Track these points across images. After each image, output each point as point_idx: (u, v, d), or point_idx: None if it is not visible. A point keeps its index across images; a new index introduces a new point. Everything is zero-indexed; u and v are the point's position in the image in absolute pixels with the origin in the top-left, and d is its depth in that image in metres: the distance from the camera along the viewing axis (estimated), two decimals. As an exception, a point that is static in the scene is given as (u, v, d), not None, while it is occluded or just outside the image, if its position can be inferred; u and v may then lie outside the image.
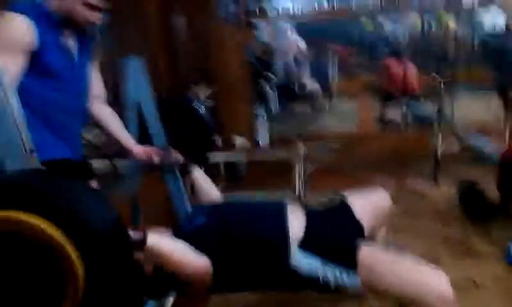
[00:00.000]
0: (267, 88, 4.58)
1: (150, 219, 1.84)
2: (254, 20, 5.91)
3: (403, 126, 4.41)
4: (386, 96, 4.84)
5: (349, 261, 1.34)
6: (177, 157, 1.82)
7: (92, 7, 1.39)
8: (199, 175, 1.85)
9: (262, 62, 5.51)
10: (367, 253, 1.36)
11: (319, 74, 6.53)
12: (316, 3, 7.03)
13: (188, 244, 1.36)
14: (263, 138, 3.45)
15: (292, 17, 7.11)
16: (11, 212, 0.83)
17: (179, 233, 1.49)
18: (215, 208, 1.62)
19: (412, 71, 4.76)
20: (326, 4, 7.02)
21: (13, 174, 0.99)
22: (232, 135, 3.24)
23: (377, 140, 3.63)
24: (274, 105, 4.75)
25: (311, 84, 5.75)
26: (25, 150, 1.05)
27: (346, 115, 5.40)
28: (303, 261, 1.37)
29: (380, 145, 3.56)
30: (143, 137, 1.88)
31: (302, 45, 6.32)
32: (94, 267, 0.86)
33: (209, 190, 1.82)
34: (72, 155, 1.53)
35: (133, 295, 1.12)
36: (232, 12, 3.70)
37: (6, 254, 0.83)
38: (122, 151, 1.77)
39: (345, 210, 1.60)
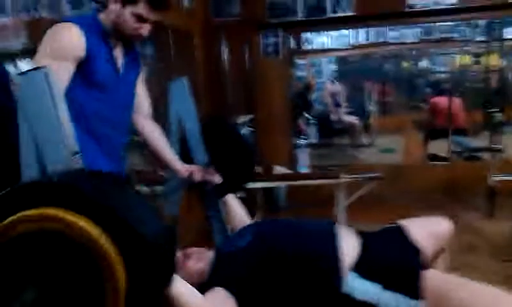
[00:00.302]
0: (306, 121, 4.54)
1: (187, 239, 1.77)
2: (295, 58, 6.01)
3: (451, 160, 4.22)
4: (433, 132, 4.70)
5: (411, 287, 1.19)
6: (217, 177, 1.77)
7: (142, 19, 1.40)
8: (232, 200, 1.78)
9: (301, 97, 5.53)
10: (433, 279, 1.21)
11: (357, 110, 6.47)
12: (353, 39, 7.03)
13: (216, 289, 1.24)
14: (303, 168, 3.36)
15: (329, 53, 7.17)
16: (55, 209, 0.77)
17: (219, 254, 1.41)
18: (258, 226, 1.53)
19: (459, 106, 4.66)
20: (362, 40, 7.01)
21: (57, 174, 0.95)
22: (272, 165, 3.16)
23: (424, 172, 3.43)
24: (313, 137, 4.68)
25: (348, 118, 5.67)
26: (70, 152, 1.02)
27: (388, 149, 5.23)
28: (357, 285, 1.24)
29: (428, 177, 3.37)
30: (184, 157, 1.86)
31: (338, 88, 6.30)
32: (137, 277, 0.79)
33: (242, 215, 1.74)
34: (114, 168, 1.50)
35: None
36: (274, 48, 3.78)
37: (48, 254, 0.77)
38: (165, 167, 1.74)
39: (400, 233, 1.45)
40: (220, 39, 3.45)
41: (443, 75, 6.94)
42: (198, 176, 1.71)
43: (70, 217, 0.77)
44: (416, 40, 6.77)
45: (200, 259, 1.41)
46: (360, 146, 5.33)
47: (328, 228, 1.40)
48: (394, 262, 1.29)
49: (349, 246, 1.32)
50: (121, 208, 0.80)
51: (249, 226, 1.56)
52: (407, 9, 3.21)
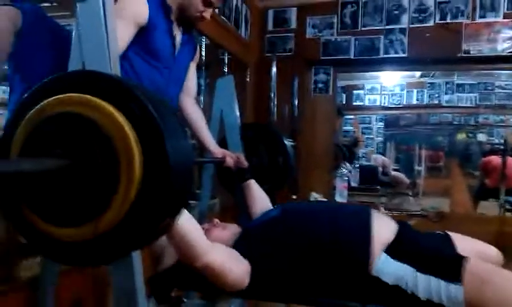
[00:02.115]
0: (349, 166, 4.46)
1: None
2: (344, 112, 6.06)
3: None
4: (484, 192, 4.44)
5: (450, 271, 1.10)
6: (246, 163, 1.80)
7: (208, 4, 1.50)
8: (255, 185, 1.77)
9: (347, 150, 5.48)
10: (477, 264, 1.11)
11: (405, 170, 6.29)
12: (405, 99, 7.00)
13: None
14: (340, 199, 3.26)
15: (380, 110, 7.16)
16: (91, 97, 0.81)
17: (244, 228, 1.39)
18: (287, 204, 1.49)
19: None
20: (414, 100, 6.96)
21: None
22: (309, 192, 3.11)
23: (475, 222, 3.18)
24: (354, 181, 4.57)
25: (396, 173, 5.49)
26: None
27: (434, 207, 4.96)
28: (387, 267, 1.16)
29: (479, 229, 3.11)
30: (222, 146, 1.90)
31: (388, 161, 6.19)
32: (153, 169, 0.79)
33: (265, 200, 1.70)
34: None
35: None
36: (324, 86, 3.85)
37: (77, 133, 0.80)
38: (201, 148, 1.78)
39: (445, 237, 1.36)
40: (271, 71, 3.57)
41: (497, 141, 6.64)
42: (230, 161, 1.74)
43: (103, 103, 0.81)
44: (472, 105, 6.63)
45: (225, 229, 1.41)
46: (405, 194, 5.09)
47: (362, 210, 1.34)
48: (430, 248, 1.21)
49: (383, 228, 1.26)
50: (157, 114, 0.81)
51: (277, 205, 1.53)
52: (462, 55, 3.17)
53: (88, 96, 0.81)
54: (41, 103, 0.82)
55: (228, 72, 3.32)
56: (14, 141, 0.81)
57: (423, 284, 1.10)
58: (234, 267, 1.19)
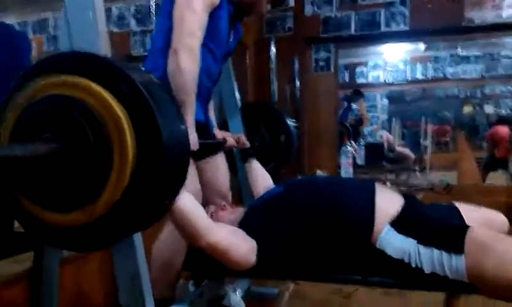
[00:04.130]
0: (354, 144, 4.42)
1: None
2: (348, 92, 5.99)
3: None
4: (492, 163, 4.40)
5: (452, 242, 1.09)
6: (247, 143, 1.79)
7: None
8: (257, 165, 1.75)
9: (352, 128, 5.44)
10: (479, 233, 1.09)
11: (412, 146, 6.24)
12: (409, 74, 6.89)
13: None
14: (347, 175, 3.23)
15: (384, 87, 7.07)
16: (86, 80, 0.79)
17: (250, 208, 1.38)
18: (292, 180, 1.48)
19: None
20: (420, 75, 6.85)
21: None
22: (314, 169, 3.09)
23: (483, 193, 3.12)
24: (360, 159, 4.53)
25: (402, 149, 5.44)
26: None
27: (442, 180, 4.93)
28: (392, 240, 1.14)
29: (488, 200, 3.07)
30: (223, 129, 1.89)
31: (391, 137, 6.12)
32: (147, 149, 0.77)
33: (267, 180, 1.69)
34: (204, 118, 1.55)
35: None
36: (325, 63, 3.79)
37: (70, 115, 0.78)
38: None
39: (451, 208, 1.34)
40: (270, 50, 3.52)
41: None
42: (231, 141, 1.73)
43: (93, 85, 0.79)
44: (478, 77, 6.52)
45: (232, 212, 1.40)
46: (412, 170, 5.04)
47: (366, 183, 1.32)
48: (435, 220, 1.20)
49: (387, 202, 1.24)
50: (149, 94, 0.79)
51: (282, 182, 1.52)
52: (466, 24, 3.09)
53: (78, 78, 0.79)
54: (31, 86, 0.81)
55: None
56: (4, 125, 0.80)
57: (426, 256, 1.09)
58: (239, 245, 1.18)
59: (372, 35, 3.40)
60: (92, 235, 0.82)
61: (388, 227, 1.16)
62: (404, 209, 1.22)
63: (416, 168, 5.08)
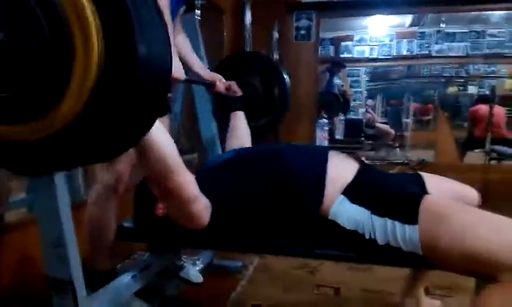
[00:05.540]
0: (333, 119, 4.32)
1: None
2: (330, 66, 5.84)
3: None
4: (471, 142, 4.37)
5: (406, 211, 1.00)
6: (239, 91, 1.68)
7: None
8: (241, 119, 1.63)
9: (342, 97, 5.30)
10: (432, 201, 1.00)
11: (393, 123, 6.18)
12: (395, 50, 6.77)
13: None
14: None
15: (368, 62, 6.95)
16: None
17: (200, 170, 1.26)
18: (242, 149, 1.37)
19: (501, 115, 4.29)
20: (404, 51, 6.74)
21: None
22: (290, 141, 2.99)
23: (459, 171, 3.08)
24: (339, 134, 4.45)
25: (383, 126, 5.38)
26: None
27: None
28: (344, 210, 1.05)
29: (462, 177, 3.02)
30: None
31: (374, 115, 6.04)
32: (119, 61, 0.61)
33: (244, 138, 1.57)
34: None
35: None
36: (306, 32, 3.64)
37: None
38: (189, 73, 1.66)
39: (416, 177, 1.24)
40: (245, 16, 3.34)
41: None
42: (220, 85, 1.61)
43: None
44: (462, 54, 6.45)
45: None
46: (391, 146, 5.00)
47: (319, 149, 1.22)
48: (391, 189, 1.10)
49: (341, 169, 1.13)
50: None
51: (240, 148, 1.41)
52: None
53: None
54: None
55: (201, 20, 3.10)
56: None
57: (379, 227, 1.00)
58: (201, 198, 1.06)
59: (355, 3, 3.25)
60: (42, 155, 0.67)
61: (341, 197, 1.06)
62: (359, 177, 1.12)
63: (396, 144, 5.03)
